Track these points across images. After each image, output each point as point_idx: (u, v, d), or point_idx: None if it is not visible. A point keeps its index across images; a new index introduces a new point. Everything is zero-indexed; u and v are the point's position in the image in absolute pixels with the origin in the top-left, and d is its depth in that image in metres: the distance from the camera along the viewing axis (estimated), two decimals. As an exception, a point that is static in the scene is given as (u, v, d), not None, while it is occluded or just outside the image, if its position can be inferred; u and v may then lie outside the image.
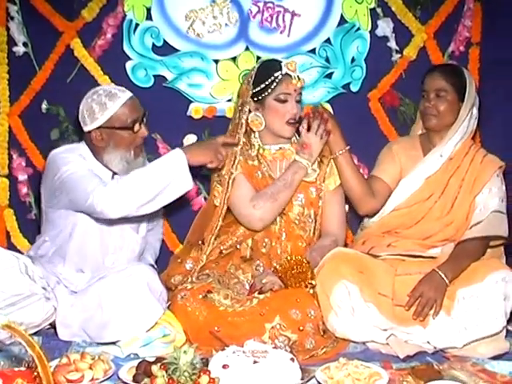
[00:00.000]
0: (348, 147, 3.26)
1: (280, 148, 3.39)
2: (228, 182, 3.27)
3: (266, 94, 3.24)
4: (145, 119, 3.13)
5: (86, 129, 3.09)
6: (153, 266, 3.31)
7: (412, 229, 3.26)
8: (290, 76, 3.23)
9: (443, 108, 3.20)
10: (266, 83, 3.23)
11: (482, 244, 3.14)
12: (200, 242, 3.38)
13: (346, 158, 3.26)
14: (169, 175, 2.90)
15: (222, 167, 3.22)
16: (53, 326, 3.07)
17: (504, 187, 3.26)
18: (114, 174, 3.13)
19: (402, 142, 3.46)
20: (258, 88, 3.25)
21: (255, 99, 3.28)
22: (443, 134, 3.26)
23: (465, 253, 3.08)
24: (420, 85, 3.32)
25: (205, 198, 4.00)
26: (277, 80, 3.22)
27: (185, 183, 2.94)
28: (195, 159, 2.99)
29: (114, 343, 2.91)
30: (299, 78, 3.25)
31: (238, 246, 3.37)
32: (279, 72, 3.23)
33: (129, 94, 3.11)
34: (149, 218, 3.30)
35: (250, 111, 3.31)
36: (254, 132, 3.37)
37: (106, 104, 3.03)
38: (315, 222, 3.37)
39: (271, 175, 3.35)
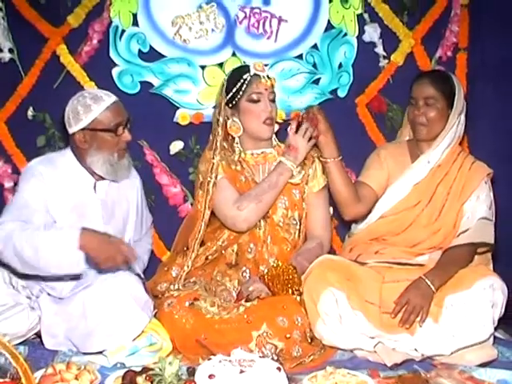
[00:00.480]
0: (340, 157, 3.18)
1: (262, 152, 3.39)
2: (207, 188, 3.27)
3: (238, 97, 3.26)
4: (129, 124, 3.12)
5: (70, 131, 3.07)
6: (139, 275, 3.28)
7: (399, 236, 3.24)
8: (259, 76, 3.26)
9: (432, 116, 3.17)
10: (237, 87, 3.26)
11: (470, 251, 3.13)
12: (185, 249, 3.36)
13: (337, 165, 3.18)
14: (57, 253, 2.76)
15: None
16: (38, 335, 3.05)
17: (491, 194, 3.25)
18: (99, 178, 3.12)
19: (390, 148, 3.43)
20: (231, 93, 3.27)
21: (230, 105, 3.30)
22: (431, 142, 3.24)
23: (452, 260, 3.07)
24: (408, 90, 3.29)
25: (192, 205, 3.99)
26: (246, 82, 3.25)
27: (70, 266, 2.79)
28: (90, 248, 2.75)
29: (100, 352, 2.89)
30: (269, 77, 3.29)
31: (223, 252, 3.36)
32: (247, 74, 3.26)
33: (114, 97, 3.10)
34: (133, 225, 3.33)
35: (227, 118, 3.32)
36: (233, 138, 3.37)
37: (90, 106, 3.02)
38: (299, 224, 3.37)
39: (254, 179, 3.34)
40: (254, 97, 3.25)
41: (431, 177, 3.24)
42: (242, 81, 3.25)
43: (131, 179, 3.34)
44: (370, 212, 3.31)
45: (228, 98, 3.29)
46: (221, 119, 3.33)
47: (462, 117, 3.24)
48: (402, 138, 3.47)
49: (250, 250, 3.32)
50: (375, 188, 3.28)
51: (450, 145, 3.23)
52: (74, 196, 3.10)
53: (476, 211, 3.16)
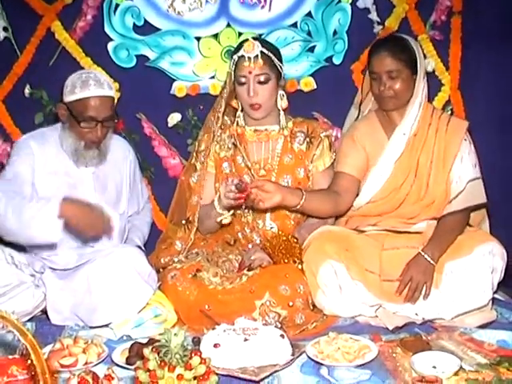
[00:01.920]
0: (303, 196, 3.00)
1: (265, 129, 3.33)
2: (206, 161, 3.32)
3: (233, 75, 3.26)
4: (107, 123, 3.08)
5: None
6: (140, 247, 3.32)
7: (393, 213, 3.20)
8: (245, 57, 3.19)
9: (399, 87, 3.08)
10: (231, 64, 3.27)
11: (464, 215, 3.11)
12: (184, 222, 3.37)
13: (307, 202, 3.01)
14: (37, 221, 2.80)
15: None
16: (44, 312, 3.08)
17: (473, 148, 3.18)
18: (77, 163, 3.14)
19: (363, 128, 3.29)
20: (231, 70, 3.28)
21: (233, 81, 3.28)
22: (402, 111, 3.17)
23: (448, 228, 3.04)
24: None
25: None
26: (234, 62, 3.24)
27: (49, 234, 2.82)
28: (70, 216, 2.82)
29: (106, 326, 2.93)
30: (255, 60, 3.18)
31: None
32: (236, 54, 3.24)
33: (105, 92, 3.05)
34: (127, 197, 3.38)
35: (233, 90, 3.30)
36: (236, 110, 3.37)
37: (75, 87, 3.02)
38: None
39: (247, 164, 3.31)
40: (240, 80, 3.21)
41: (410, 149, 3.16)
42: (232, 60, 3.25)
43: (124, 153, 3.38)
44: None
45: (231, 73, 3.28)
46: (225, 91, 3.34)
47: (425, 77, 3.17)
48: (365, 108, 3.39)
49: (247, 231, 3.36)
50: (356, 175, 3.21)
51: (420, 108, 3.15)
52: (64, 169, 3.14)
53: (463, 174, 3.11)
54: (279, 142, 3.33)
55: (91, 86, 3.01)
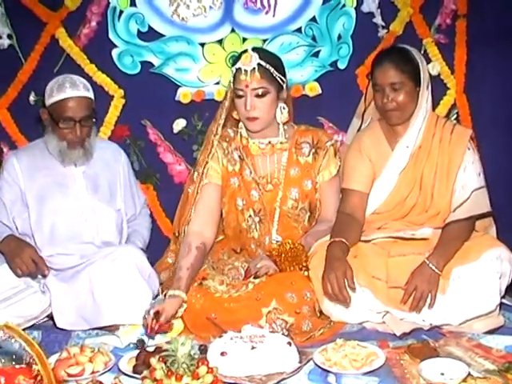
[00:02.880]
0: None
1: (269, 142, 3.27)
2: (203, 171, 3.27)
3: (232, 87, 3.20)
4: (85, 122, 3.18)
5: None
6: (142, 249, 3.34)
7: (398, 221, 3.18)
8: (241, 70, 3.12)
9: (402, 100, 3.04)
10: (230, 77, 3.22)
11: (469, 223, 3.06)
12: (176, 234, 3.37)
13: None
14: None
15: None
16: (51, 317, 3.11)
17: (477, 156, 3.14)
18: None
19: (367, 139, 3.26)
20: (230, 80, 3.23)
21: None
22: (406, 122, 3.13)
23: (453, 236, 3.00)
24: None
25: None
26: (232, 74, 3.18)
27: None
28: (5, 250, 3.15)
29: (112, 327, 2.96)
30: (252, 73, 3.09)
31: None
32: (234, 66, 3.17)
33: (80, 93, 3.18)
34: (122, 197, 3.45)
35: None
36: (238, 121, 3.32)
37: (53, 91, 3.18)
38: (310, 212, 3.30)
39: (255, 178, 3.26)
40: (237, 92, 3.15)
41: (415, 161, 3.13)
42: (231, 72, 3.20)
43: (114, 154, 3.49)
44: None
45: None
46: (226, 102, 3.30)
47: (429, 87, 3.14)
48: (367, 117, 3.37)
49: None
50: (365, 190, 3.18)
51: (424, 121, 3.12)
52: (54, 172, 3.27)
53: (467, 184, 3.06)
54: (284, 155, 3.29)
55: (67, 88, 3.16)
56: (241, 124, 3.30)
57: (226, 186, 3.30)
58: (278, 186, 3.26)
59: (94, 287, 3.02)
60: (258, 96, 3.11)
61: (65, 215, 3.24)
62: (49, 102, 3.18)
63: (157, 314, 2.72)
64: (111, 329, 2.98)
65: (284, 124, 3.28)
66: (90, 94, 3.24)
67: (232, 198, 3.30)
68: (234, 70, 3.16)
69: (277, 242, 3.23)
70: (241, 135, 3.32)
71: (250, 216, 3.27)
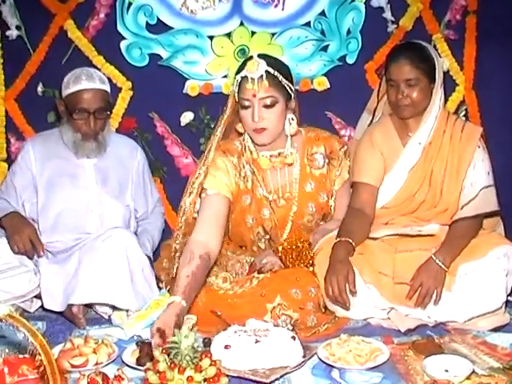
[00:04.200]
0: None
1: (279, 154, 3.14)
2: (197, 190, 3.11)
3: (236, 97, 3.04)
4: (99, 115, 3.22)
5: None
6: (149, 257, 3.30)
7: (405, 217, 3.17)
8: (248, 79, 2.94)
9: (416, 96, 3.03)
10: (233, 87, 3.05)
11: (476, 221, 3.05)
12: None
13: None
14: None
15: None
16: (38, 297, 3.15)
17: (487, 155, 3.13)
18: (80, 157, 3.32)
19: (379, 133, 3.24)
20: (233, 89, 3.07)
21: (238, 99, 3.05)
22: (418, 118, 3.12)
23: (460, 233, 2.99)
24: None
25: (204, 176, 4.01)
26: (237, 83, 3.00)
27: None
28: (6, 225, 3.24)
29: (116, 325, 2.95)
30: (259, 81, 2.93)
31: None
32: (240, 74, 2.99)
33: (96, 85, 3.23)
34: (132, 193, 3.47)
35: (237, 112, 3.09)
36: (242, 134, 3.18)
37: (69, 83, 3.23)
38: (323, 220, 3.26)
39: (266, 195, 3.16)
40: (243, 103, 2.98)
41: (425, 158, 3.12)
42: (235, 81, 3.01)
43: (131, 152, 3.51)
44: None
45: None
46: (225, 115, 3.14)
47: (442, 84, 3.12)
48: (378, 112, 3.37)
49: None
50: (375, 183, 3.16)
51: (436, 118, 3.11)
52: (66, 161, 3.32)
53: (475, 181, 3.06)
54: (296, 167, 3.17)
55: (83, 80, 3.21)
56: (246, 137, 3.15)
57: (236, 202, 3.16)
58: (292, 201, 3.16)
59: (80, 267, 3.05)
60: (266, 106, 2.95)
61: (71, 205, 3.28)
62: (65, 93, 3.22)
63: (160, 331, 2.50)
64: (76, 319, 3.01)
65: (293, 136, 3.13)
66: (106, 87, 3.29)
67: (241, 215, 3.20)
68: (239, 79, 2.98)
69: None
70: (249, 149, 3.17)
71: (259, 233, 3.21)
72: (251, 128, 3.00)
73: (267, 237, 3.20)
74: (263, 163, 3.13)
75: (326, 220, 3.26)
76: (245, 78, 2.95)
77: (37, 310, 3.19)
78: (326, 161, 3.20)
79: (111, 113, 3.40)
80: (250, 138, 3.11)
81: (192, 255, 2.82)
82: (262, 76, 2.92)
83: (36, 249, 3.17)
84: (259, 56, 3.01)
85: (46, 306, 3.08)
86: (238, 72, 3.02)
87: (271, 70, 2.94)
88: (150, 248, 3.43)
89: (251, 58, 3.01)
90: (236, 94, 3.02)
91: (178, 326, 2.49)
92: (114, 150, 3.39)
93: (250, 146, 3.15)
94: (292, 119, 3.08)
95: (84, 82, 3.20)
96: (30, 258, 3.16)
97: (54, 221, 3.27)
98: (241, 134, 3.18)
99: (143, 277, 3.10)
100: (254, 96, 2.93)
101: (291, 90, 3.03)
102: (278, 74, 2.96)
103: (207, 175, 3.09)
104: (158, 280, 3.23)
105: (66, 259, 3.16)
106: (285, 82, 2.98)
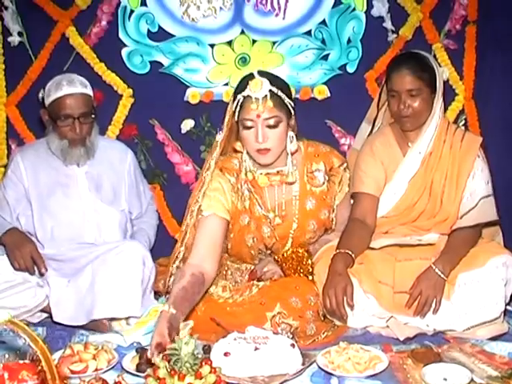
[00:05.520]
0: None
1: (278, 172, 3.05)
2: (196, 213, 3.04)
3: (237, 117, 2.93)
4: (84, 119, 3.18)
5: None
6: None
7: (405, 226, 3.18)
8: (251, 98, 2.84)
9: (418, 106, 3.04)
10: (233, 106, 2.92)
11: (475, 230, 3.06)
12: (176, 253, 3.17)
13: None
14: None
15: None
16: (45, 311, 3.14)
17: (486, 165, 3.14)
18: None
19: (380, 143, 3.23)
20: (233, 110, 2.95)
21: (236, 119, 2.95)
22: (419, 130, 3.13)
23: (460, 242, 3.00)
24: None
25: (203, 183, 4.03)
26: (239, 103, 2.87)
27: None
28: (6, 242, 3.18)
29: (115, 332, 2.96)
30: (263, 101, 2.83)
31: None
32: (241, 93, 2.87)
33: (77, 89, 3.19)
34: (126, 197, 3.44)
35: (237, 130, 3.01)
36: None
37: (50, 90, 3.20)
38: (325, 233, 3.24)
39: (265, 214, 3.09)
40: (245, 123, 2.87)
41: (425, 167, 3.13)
42: (236, 101, 2.89)
43: (121, 154, 3.47)
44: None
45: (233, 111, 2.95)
46: (221, 134, 3.04)
47: (442, 94, 3.13)
48: (378, 122, 3.38)
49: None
50: (376, 193, 3.17)
51: (436, 127, 3.12)
52: (57, 172, 3.28)
53: (474, 191, 3.07)
54: (295, 184, 3.10)
55: (64, 86, 3.17)
56: (244, 157, 3.05)
57: (234, 222, 3.10)
58: (292, 218, 3.10)
59: (95, 281, 3.04)
60: (269, 126, 2.85)
61: (66, 216, 3.25)
62: (48, 101, 3.18)
63: (159, 347, 2.42)
64: (101, 326, 3.00)
65: (293, 154, 3.05)
66: (88, 91, 3.24)
67: (241, 234, 3.13)
68: (242, 99, 2.86)
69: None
70: (247, 168, 3.06)
71: (260, 249, 3.16)
72: (254, 149, 2.91)
73: (268, 252, 3.17)
74: (261, 181, 3.05)
75: (328, 233, 3.25)
76: (248, 97, 2.84)
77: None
78: (326, 178, 3.14)
79: (96, 116, 3.29)
80: (249, 156, 3.03)
81: (183, 273, 2.79)
82: (266, 96, 2.83)
83: (37, 265, 3.12)
84: (259, 74, 2.91)
85: (55, 319, 3.06)
86: (238, 91, 2.91)
87: (274, 90, 2.85)
88: (148, 247, 3.42)
89: (252, 75, 2.91)
90: (236, 114, 2.90)
91: (174, 332, 2.47)
92: (104, 154, 3.35)
93: (250, 166, 3.05)
94: (292, 137, 3.00)
95: (65, 88, 3.15)
96: (32, 274, 3.13)
97: (51, 234, 3.23)
98: (237, 152, 3.09)
99: (151, 286, 3.14)
100: (259, 117, 2.83)
101: (293, 108, 2.94)
102: (281, 93, 2.87)
103: (204, 197, 3.04)
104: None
105: (75, 273, 3.13)
106: (287, 100, 2.89)
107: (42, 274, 3.14)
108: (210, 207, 3.00)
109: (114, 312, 2.97)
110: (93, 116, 3.23)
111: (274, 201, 3.10)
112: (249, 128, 2.87)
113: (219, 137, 3.04)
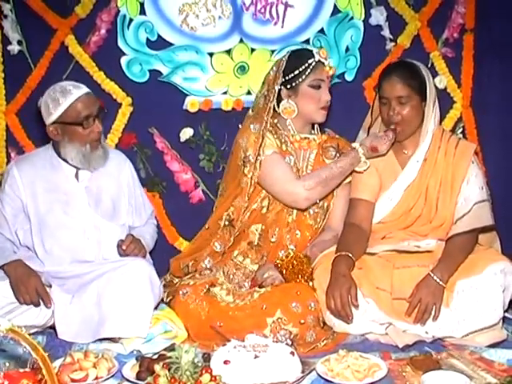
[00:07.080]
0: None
1: (306, 138, 3.37)
2: (255, 165, 3.23)
3: (299, 80, 3.24)
4: (101, 114, 3.15)
5: (46, 123, 3.15)
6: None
7: (402, 231, 3.20)
8: (323, 63, 3.26)
9: (407, 113, 3.09)
10: (300, 70, 3.24)
11: (471, 236, 3.08)
12: (226, 223, 3.35)
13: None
14: None
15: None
16: (52, 327, 3.09)
17: (481, 170, 3.18)
18: (78, 169, 3.20)
19: None
20: (291, 75, 3.25)
21: (288, 86, 3.26)
22: (412, 136, 3.18)
23: (457, 249, 3.02)
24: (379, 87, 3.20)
25: (203, 191, 4.04)
26: (311, 67, 3.24)
27: None
28: (10, 276, 3.06)
29: (116, 340, 2.94)
30: (331, 66, 3.29)
31: (247, 230, 3.34)
32: (312, 59, 3.24)
33: (83, 90, 3.13)
34: (127, 210, 3.36)
35: (282, 98, 3.29)
36: (280, 118, 3.34)
37: (58, 100, 3.08)
38: (326, 213, 3.37)
39: (297, 165, 3.34)
40: (316, 83, 3.25)
41: (421, 173, 3.17)
42: (306, 65, 3.24)
43: (119, 165, 3.38)
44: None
45: (287, 79, 3.26)
46: (271, 97, 3.28)
47: (436, 103, 3.16)
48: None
49: (274, 233, 3.31)
50: (372, 199, 3.23)
51: (432, 135, 3.16)
52: (55, 187, 3.19)
53: (468, 196, 3.09)
54: (313, 152, 3.38)
55: (71, 90, 3.10)
56: (289, 121, 3.33)
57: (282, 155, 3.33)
58: None
59: (102, 300, 2.99)
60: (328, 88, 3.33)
61: (66, 234, 3.17)
62: (58, 113, 3.07)
63: None
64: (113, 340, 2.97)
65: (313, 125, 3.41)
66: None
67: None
68: (314, 64, 3.25)
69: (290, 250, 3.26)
70: (291, 130, 3.35)
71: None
72: (322, 105, 3.29)
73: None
74: (296, 142, 3.37)
75: (327, 215, 3.37)
76: (319, 62, 3.26)
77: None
78: (337, 155, 3.38)
79: (106, 110, 3.28)
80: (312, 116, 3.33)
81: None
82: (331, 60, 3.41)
83: (43, 300, 3.03)
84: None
85: (60, 336, 3.01)
86: (302, 61, 3.26)
87: None
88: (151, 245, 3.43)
89: (306, 50, 3.44)
90: (302, 78, 3.24)
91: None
92: (104, 166, 3.27)
93: (293, 128, 3.34)
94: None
95: (74, 91, 3.08)
96: (37, 307, 3.04)
97: (50, 252, 3.16)
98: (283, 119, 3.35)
99: (155, 302, 3.08)
100: (328, 78, 3.31)
101: None
102: None
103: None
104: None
105: (79, 289, 3.08)
106: None
107: (48, 308, 3.04)
108: (271, 145, 3.28)
109: (123, 332, 2.92)
110: (105, 110, 3.23)
111: (299, 163, 3.36)
112: (317, 87, 3.27)
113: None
